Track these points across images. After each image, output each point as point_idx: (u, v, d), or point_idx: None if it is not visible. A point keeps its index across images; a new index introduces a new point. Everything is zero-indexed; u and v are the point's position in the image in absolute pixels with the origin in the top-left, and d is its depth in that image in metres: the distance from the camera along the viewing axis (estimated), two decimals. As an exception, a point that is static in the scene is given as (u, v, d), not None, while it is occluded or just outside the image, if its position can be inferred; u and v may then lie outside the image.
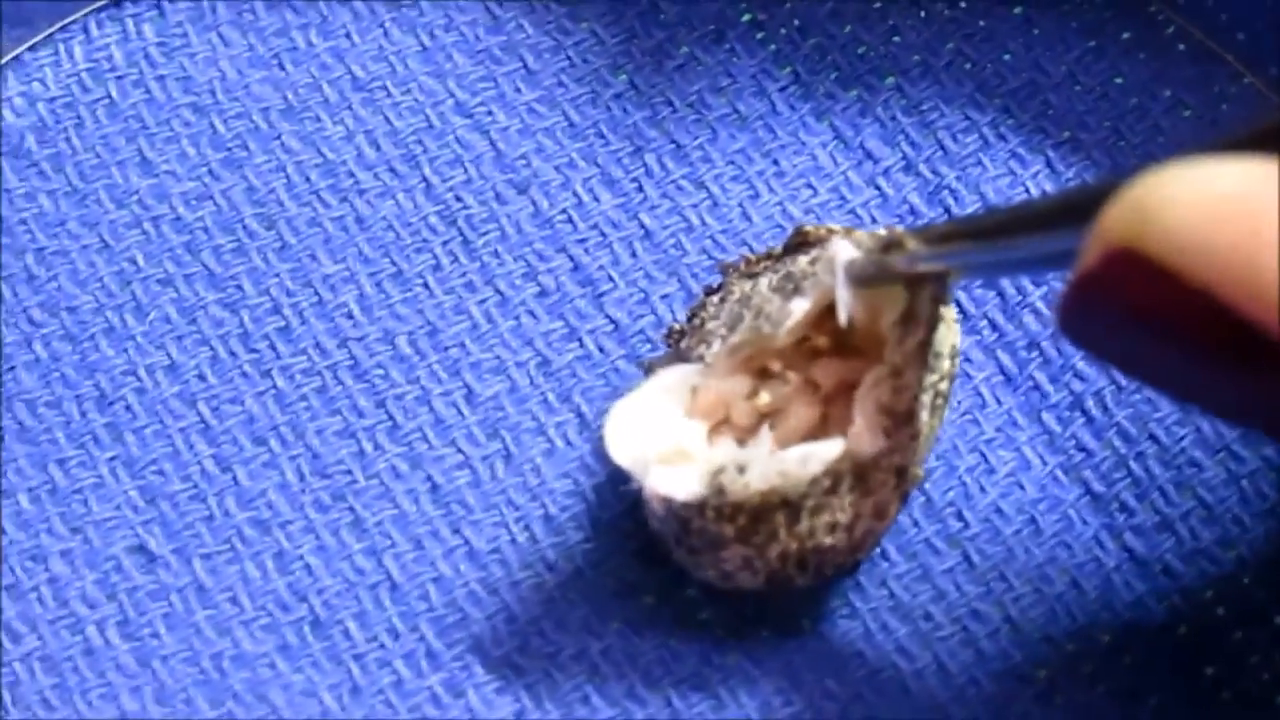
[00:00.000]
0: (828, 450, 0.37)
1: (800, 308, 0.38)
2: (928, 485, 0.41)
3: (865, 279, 0.37)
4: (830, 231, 0.38)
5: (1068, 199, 0.32)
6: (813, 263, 0.38)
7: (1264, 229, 0.28)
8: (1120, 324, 0.30)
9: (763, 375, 0.39)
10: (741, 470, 0.37)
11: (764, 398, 0.39)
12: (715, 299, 0.40)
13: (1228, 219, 0.28)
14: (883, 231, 0.37)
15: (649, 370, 0.40)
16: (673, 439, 0.38)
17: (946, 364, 0.38)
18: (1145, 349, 0.30)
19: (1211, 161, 0.28)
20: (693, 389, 0.39)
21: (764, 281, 0.39)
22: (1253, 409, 0.30)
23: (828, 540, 0.38)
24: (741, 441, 0.39)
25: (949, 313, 0.38)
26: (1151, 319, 0.29)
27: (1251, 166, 0.28)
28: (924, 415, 0.37)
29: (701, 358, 0.39)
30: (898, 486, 0.38)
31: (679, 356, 0.40)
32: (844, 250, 0.37)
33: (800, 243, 0.39)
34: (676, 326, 0.41)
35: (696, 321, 0.40)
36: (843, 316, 0.37)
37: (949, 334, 0.38)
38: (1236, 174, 0.28)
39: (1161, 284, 0.28)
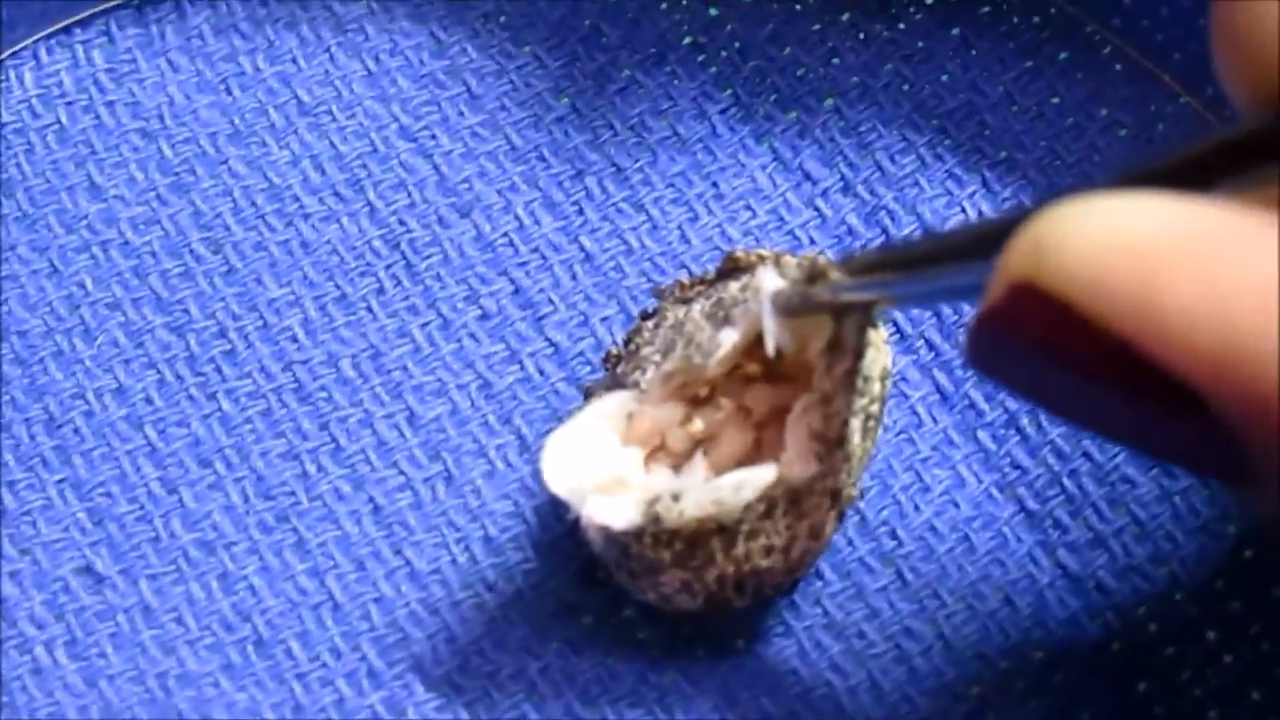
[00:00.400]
0: (761, 476, 0.38)
1: (729, 338, 0.38)
2: (862, 504, 0.41)
3: (791, 309, 0.37)
4: (761, 258, 0.39)
5: (983, 231, 0.32)
6: (743, 289, 0.38)
7: (1161, 267, 0.28)
8: (1026, 358, 0.30)
9: (696, 402, 0.39)
10: (676, 498, 0.38)
11: (697, 424, 0.39)
12: (650, 324, 0.40)
13: (1125, 256, 0.28)
14: (805, 261, 0.37)
15: (588, 395, 0.40)
16: (609, 468, 0.39)
17: (877, 387, 0.38)
18: (1052, 383, 0.30)
19: (1113, 197, 0.29)
20: (628, 415, 0.39)
21: (696, 308, 0.39)
22: (1163, 445, 0.30)
23: (764, 563, 0.38)
24: (677, 468, 0.39)
25: (878, 335, 0.38)
26: (1055, 354, 0.29)
27: (1153, 203, 0.28)
28: (856, 438, 0.38)
29: (637, 384, 0.40)
30: (832, 508, 0.38)
31: (616, 381, 0.40)
32: (769, 281, 0.37)
33: (732, 268, 0.39)
34: (614, 351, 0.41)
35: (633, 347, 0.40)
36: (770, 346, 0.37)
37: (879, 356, 0.38)
38: (1137, 211, 0.28)
39: (1062, 320, 0.29)
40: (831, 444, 0.37)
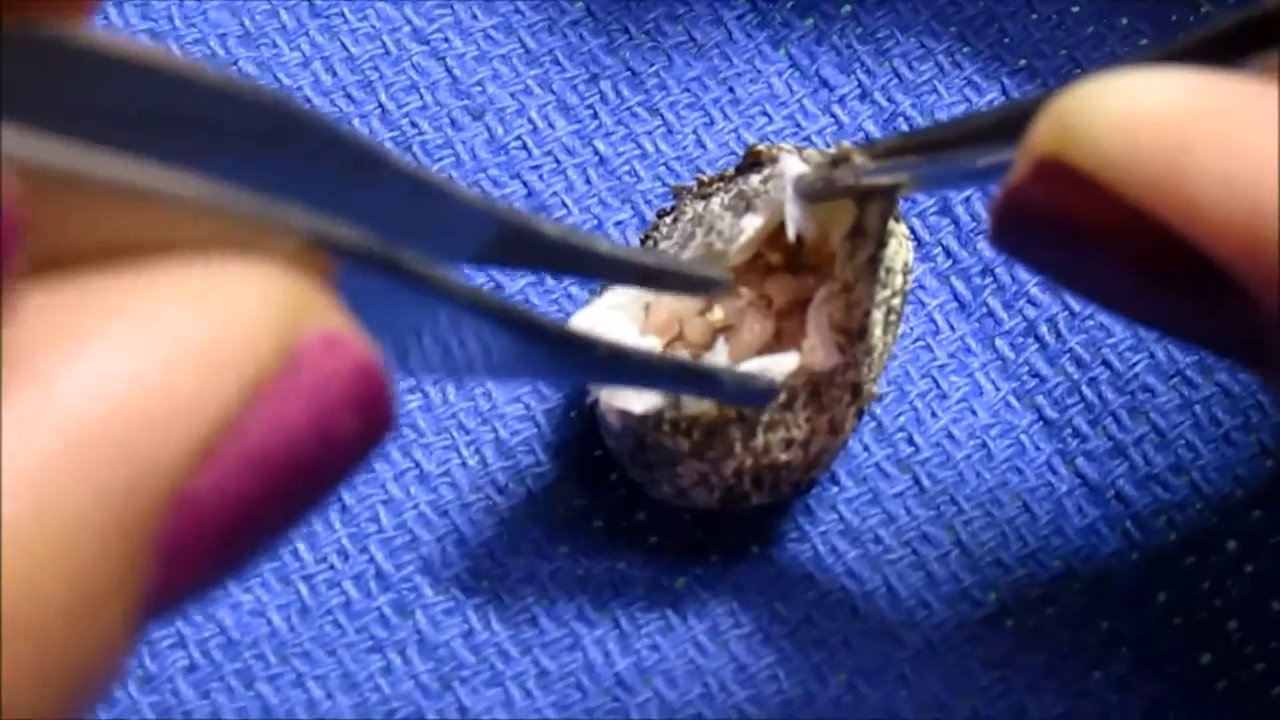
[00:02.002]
0: (782, 364, 0.36)
1: (752, 224, 0.37)
2: (878, 410, 0.39)
3: (814, 194, 0.36)
4: (782, 150, 0.37)
5: (1009, 113, 0.31)
6: (765, 181, 0.37)
7: (1191, 140, 0.26)
8: (1051, 236, 0.29)
9: None
10: None
11: (717, 313, 0.38)
12: (668, 220, 0.39)
13: (1154, 130, 0.27)
14: (832, 149, 0.36)
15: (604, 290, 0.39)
16: None
17: (899, 280, 0.37)
18: (1078, 261, 0.29)
19: (1140, 73, 0.27)
20: (646, 306, 0.38)
21: (716, 201, 0.38)
22: (1188, 324, 0.29)
23: (783, 456, 0.36)
24: (696, 356, 0.38)
25: (900, 229, 0.37)
26: (1081, 230, 0.28)
27: (1180, 78, 0.27)
28: (877, 331, 0.36)
29: None
30: (852, 403, 0.36)
31: None
32: (793, 166, 0.36)
33: (753, 163, 0.38)
34: None
35: (649, 243, 0.39)
36: (791, 232, 0.36)
37: (901, 250, 0.37)
38: (1165, 84, 0.27)
39: (1089, 196, 0.27)
40: (853, 334, 0.36)
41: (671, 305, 0.38)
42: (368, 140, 0.23)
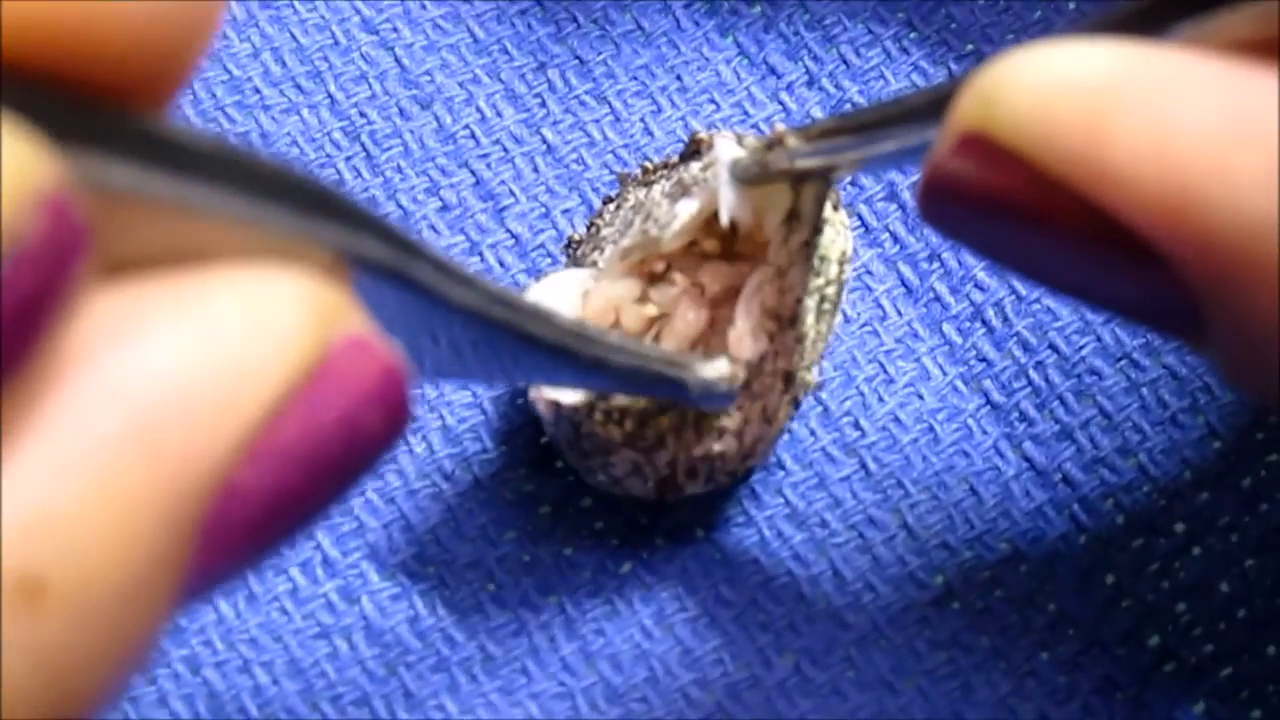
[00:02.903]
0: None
1: (687, 210, 0.36)
2: (824, 395, 0.39)
3: (749, 178, 0.35)
4: (720, 136, 0.37)
5: (944, 90, 0.30)
6: (704, 169, 0.36)
7: (1110, 110, 0.26)
8: (977, 212, 0.28)
9: (653, 279, 0.37)
10: None
11: (650, 307, 0.37)
12: (611, 207, 0.38)
13: (1073, 101, 0.26)
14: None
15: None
16: None
17: (834, 269, 0.36)
18: (1007, 237, 0.28)
19: (1061, 44, 0.27)
20: (584, 293, 0.37)
21: (657, 189, 0.37)
22: (1118, 298, 0.28)
23: (717, 447, 0.36)
24: None
25: (839, 217, 0.36)
26: (1006, 206, 0.27)
27: (1102, 49, 0.26)
28: (809, 319, 0.36)
29: (595, 263, 0.38)
30: (785, 391, 0.36)
31: (575, 264, 0.38)
32: (727, 149, 0.35)
33: (694, 150, 0.37)
34: (575, 236, 0.39)
35: (593, 230, 0.38)
36: (725, 217, 0.35)
37: (839, 239, 0.36)
38: (1084, 55, 0.26)
39: (1011, 170, 0.27)
40: (784, 322, 0.35)
41: (608, 292, 0.37)
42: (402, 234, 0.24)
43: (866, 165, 0.35)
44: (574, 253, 0.39)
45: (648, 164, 0.38)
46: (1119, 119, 0.26)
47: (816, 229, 0.35)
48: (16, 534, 0.20)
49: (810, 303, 0.35)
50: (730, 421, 0.36)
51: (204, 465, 0.21)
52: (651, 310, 0.37)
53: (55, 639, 0.20)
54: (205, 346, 0.21)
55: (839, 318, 0.37)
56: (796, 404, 0.36)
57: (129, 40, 0.20)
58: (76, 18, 0.20)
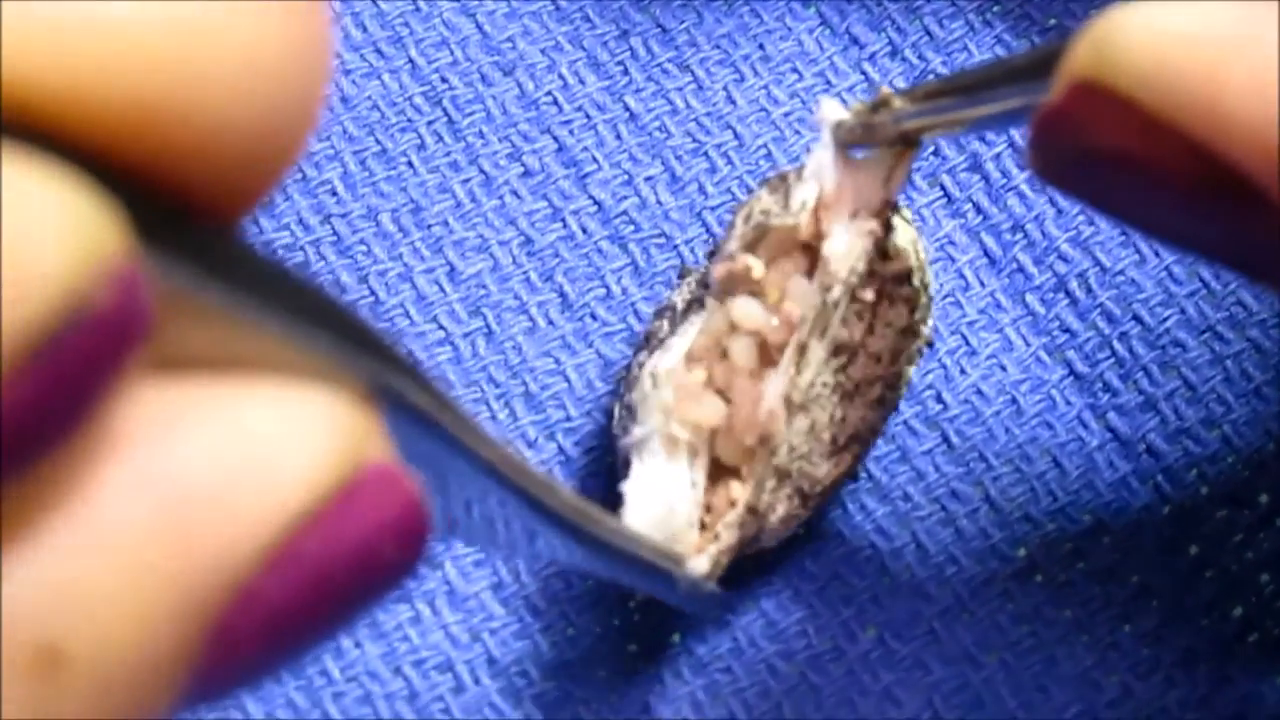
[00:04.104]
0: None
1: (810, 190, 0.35)
2: (909, 368, 0.38)
3: (853, 139, 0.34)
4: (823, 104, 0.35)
5: (1044, 52, 0.30)
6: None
7: (1224, 59, 0.25)
8: (1088, 161, 0.28)
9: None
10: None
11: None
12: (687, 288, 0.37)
13: (1188, 48, 0.26)
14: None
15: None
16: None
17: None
18: (1115, 185, 0.28)
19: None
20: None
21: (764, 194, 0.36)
22: (1226, 246, 0.28)
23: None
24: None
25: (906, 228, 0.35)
26: (1118, 153, 0.27)
27: (1214, 2, 0.26)
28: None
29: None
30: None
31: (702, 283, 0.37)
32: (831, 110, 0.35)
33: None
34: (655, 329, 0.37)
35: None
36: (827, 180, 0.34)
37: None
38: (1199, 7, 0.26)
39: (1125, 118, 0.26)
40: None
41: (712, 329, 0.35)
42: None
43: (970, 127, 0.35)
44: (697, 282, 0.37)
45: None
46: (1234, 65, 0.25)
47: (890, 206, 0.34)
48: (45, 602, 0.20)
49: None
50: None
51: (225, 564, 0.21)
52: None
53: (67, 709, 0.20)
54: (240, 450, 0.21)
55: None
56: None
57: (223, 157, 0.20)
58: (180, 126, 0.20)
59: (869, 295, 0.35)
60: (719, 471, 0.35)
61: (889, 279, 0.35)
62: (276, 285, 0.21)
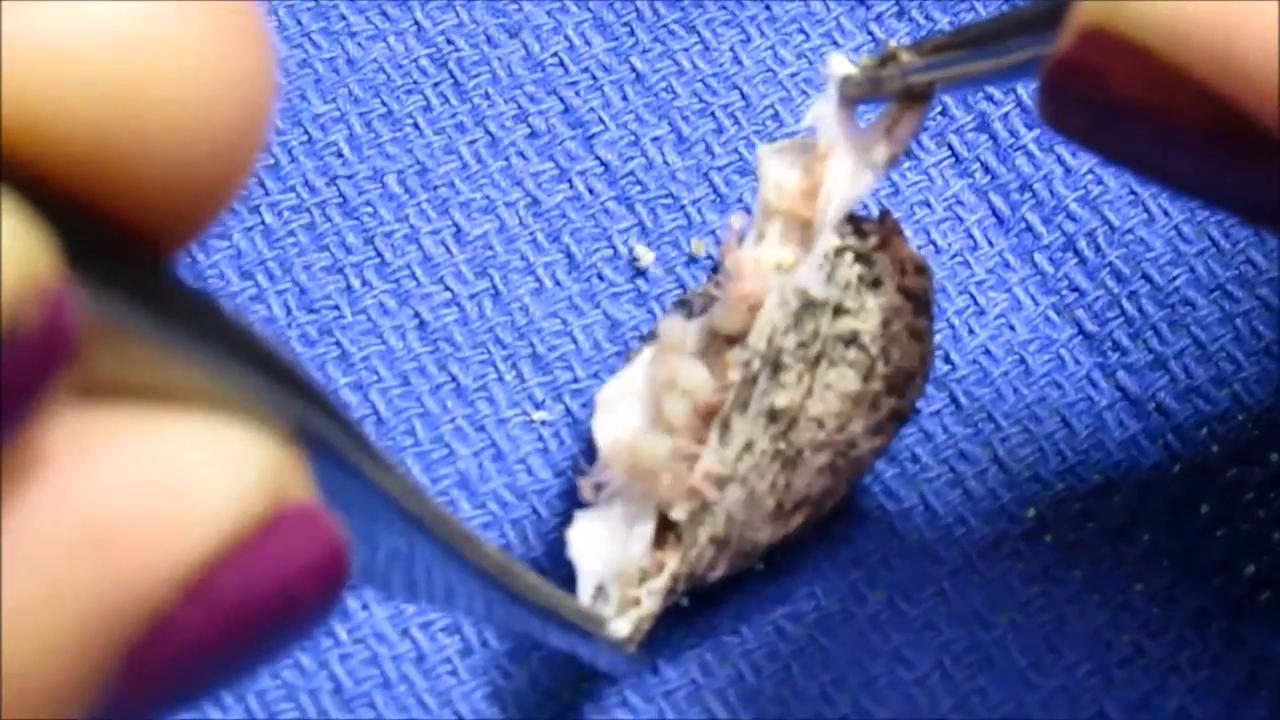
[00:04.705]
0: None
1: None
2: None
3: (860, 94, 0.34)
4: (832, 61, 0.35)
5: (1053, 2, 0.29)
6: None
7: (1238, 6, 0.25)
8: (1100, 111, 0.27)
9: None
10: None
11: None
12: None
13: None
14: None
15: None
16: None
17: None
18: (1127, 135, 0.27)
19: None
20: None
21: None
22: (1241, 197, 0.28)
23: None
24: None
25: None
26: (1129, 103, 0.27)
27: None
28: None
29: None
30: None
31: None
32: (839, 65, 0.34)
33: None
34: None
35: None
36: (830, 133, 0.34)
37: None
38: None
39: (1136, 65, 0.26)
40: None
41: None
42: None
43: (980, 80, 0.34)
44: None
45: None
46: (1246, 9, 0.25)
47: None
48: None
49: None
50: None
51: (140, 593, 0.20)
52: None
53: None
54: (160, 480, 0.20)
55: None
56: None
57: (159, 187, 0.20)
58: (117, 156, 0.19)
59: (799, 355, 0.33)
60: (664, 525, 0.34)
61: (833, 338, 0.33)
62: (206, 320, 0.21)
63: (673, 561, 0.33)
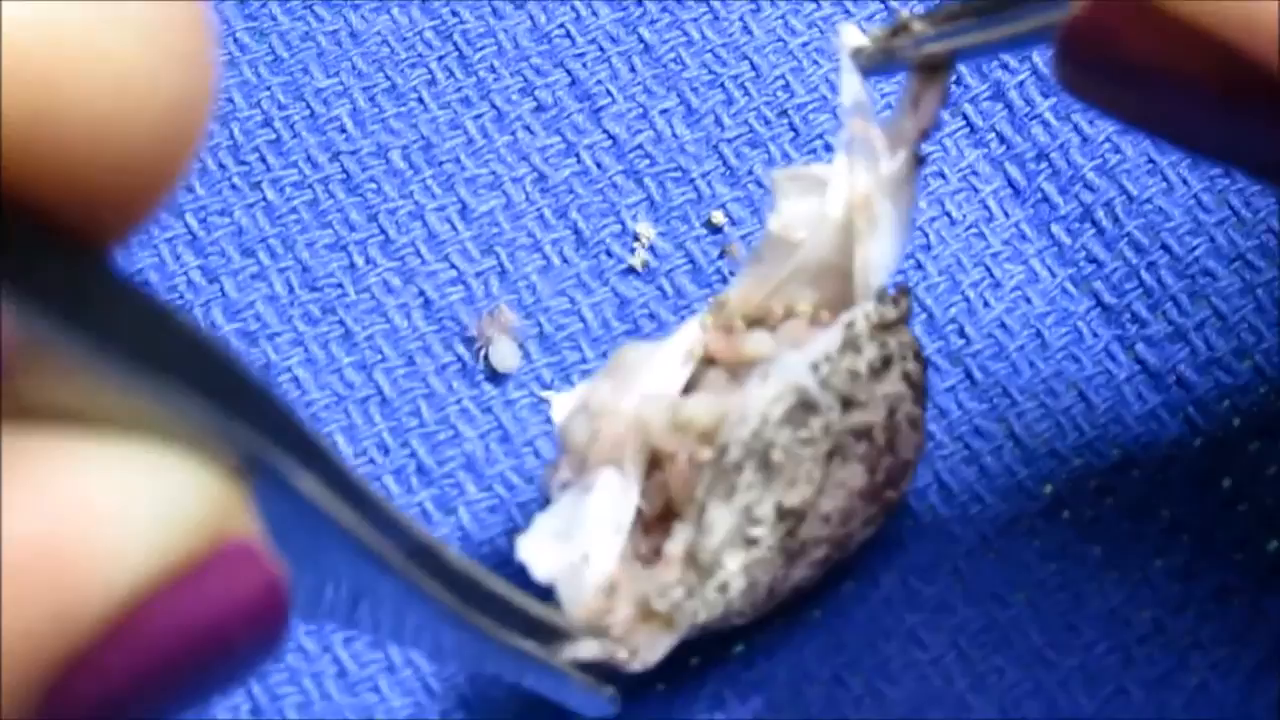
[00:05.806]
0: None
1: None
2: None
3: (872, 65, 0.33)
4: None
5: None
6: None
7: None
8: (1116, 72, 0.26)
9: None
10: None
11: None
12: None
13: None
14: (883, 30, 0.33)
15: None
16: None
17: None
18: (1144, 97, 0.27)
19: None
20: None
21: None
22: (1255, 153, 0.27)
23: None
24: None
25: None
26: (1146, 62, 0.26)
27: None
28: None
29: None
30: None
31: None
32: (850, 37, 0.33)
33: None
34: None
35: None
36: (847, 98, 0.33)
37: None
38: None
39: (1152, 23, 0.25)
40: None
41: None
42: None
43: (995, 48, 0.33)
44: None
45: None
46: None
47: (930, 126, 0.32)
48: None
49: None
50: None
51: (62, 629, 0.19)
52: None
53: None
54: (81, 513, 0.19)
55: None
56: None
57: (94, 177, 0.19)
58: (49, 144, 0.18)
59: (808, 453, 0.32)
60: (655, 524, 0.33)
61: (845, 432, 0.32)
62: (150, 335, 0.19)
63: (665, 640, 0.32)
